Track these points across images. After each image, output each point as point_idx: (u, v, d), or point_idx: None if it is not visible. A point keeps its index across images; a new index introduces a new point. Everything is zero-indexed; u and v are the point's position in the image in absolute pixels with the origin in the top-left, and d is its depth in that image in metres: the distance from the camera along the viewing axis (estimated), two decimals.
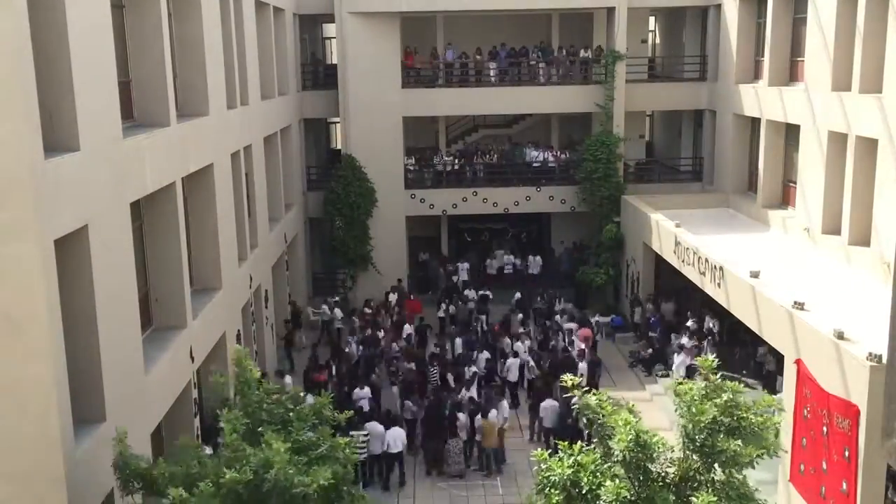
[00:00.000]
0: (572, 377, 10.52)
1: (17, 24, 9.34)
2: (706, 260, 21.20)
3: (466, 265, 31.54)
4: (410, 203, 30.59)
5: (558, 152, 32.28)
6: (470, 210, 31.15)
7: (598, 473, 9.70)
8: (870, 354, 13.27)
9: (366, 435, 17.98)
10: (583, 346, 23.29)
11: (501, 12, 31.28)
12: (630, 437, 9.48)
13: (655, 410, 21.21)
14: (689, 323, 24.25)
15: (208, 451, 12.34)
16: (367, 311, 27.06)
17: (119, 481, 10.30)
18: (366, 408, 19.31)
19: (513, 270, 32.33)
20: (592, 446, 10.33)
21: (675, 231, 23.83)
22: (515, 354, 22.94)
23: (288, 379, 20.35)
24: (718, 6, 28.90)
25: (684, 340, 23.02)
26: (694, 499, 9.15)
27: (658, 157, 36.24)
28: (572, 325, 25.14)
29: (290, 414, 10.81)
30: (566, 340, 24.37)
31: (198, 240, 17.50)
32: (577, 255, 31.74)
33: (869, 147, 19.87)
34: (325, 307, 27.42)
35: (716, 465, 9.78)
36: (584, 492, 9.64)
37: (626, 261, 29.07)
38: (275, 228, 24.95)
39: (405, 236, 31.00)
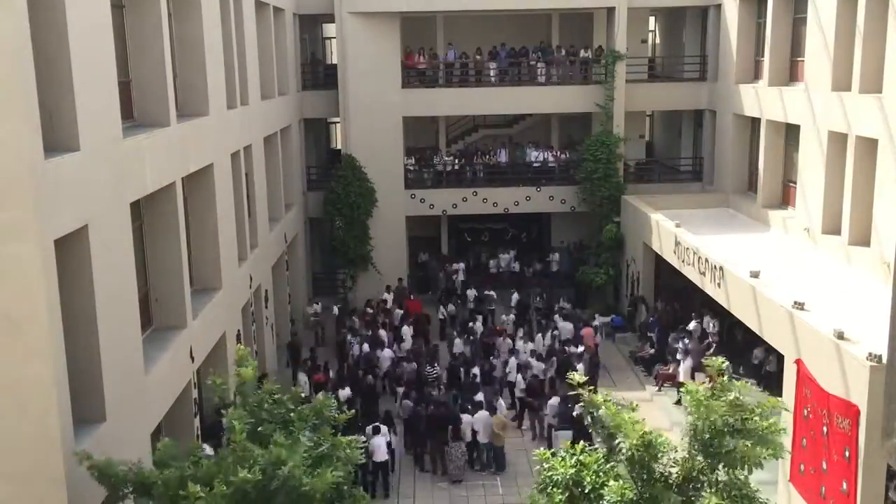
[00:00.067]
0: (578, 375, 10.53)
1: (17, 24, 9.32)
2: (706, 260, 21.20)
3: (462, 265, 31.53)
4: (410, 203, 30.58)
5: (558, 152, 32.27)
6: (470, 210, 31.15)
7: (601, 473, 9.70)
8: (870, 354, 13.27)
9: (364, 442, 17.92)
10: (582, 348, 23.27)
11: (501, 12, 31.28)
12: (639, 434, 9.47)
13: (655, 410, 21.24)
14: (692, 325, 24.21)
15: (208, 450, 12.33)
16: (368, 310, 27.09)
17: (108, 491, 10.24)
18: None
19: (509, 270, 32.29)
20: (595, 445, 10.33)
21: (675, 231, 23.83)
22: (515, 354, 22.94)
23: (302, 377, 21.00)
24: (718, 6, 28.90)
25: (686, 343, 22.93)
26: (698, 499, 9.15)
27: (658, 157, 36.24)
28: (570, 325, 25.15)
29: (291, 414, 10.81)
30: (564, 339, 24.40)
31: (198, 240, 17.49)
32: (577, 255, 31.74)
33: (869, 147, 19.87)
34: (316, 306, 27.54)
35: (720, 466, 9.77)
36: (586, 491, 9.63)
37: (626, 261, 29.07)
38: (275, 228, 24.95)
39: (405, 236, 31.00)
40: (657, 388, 22.99)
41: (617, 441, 9.80)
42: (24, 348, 9.63)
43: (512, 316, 26.67)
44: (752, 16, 27.17)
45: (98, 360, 11.38)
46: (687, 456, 9.89)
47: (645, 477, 9.66)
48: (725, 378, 10.25)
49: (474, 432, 19.15)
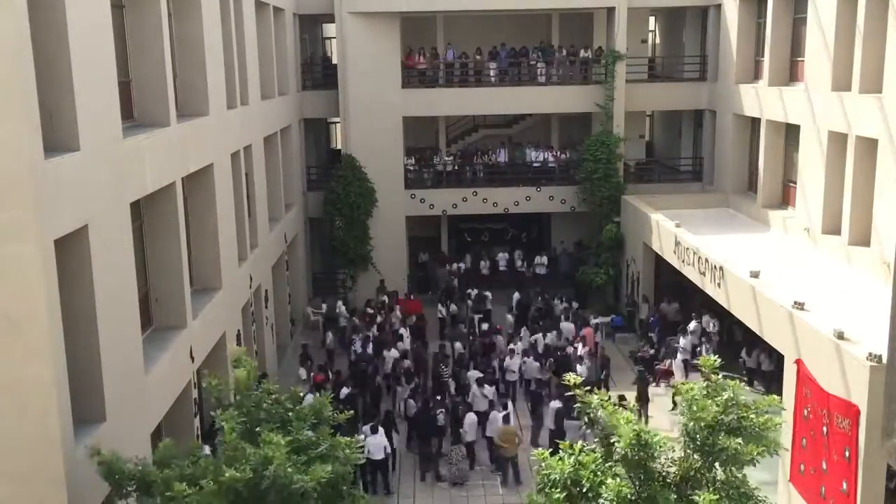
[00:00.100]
0: (575, 376, 10.54)
1: (17, 24, 9.33)
2: (706, 260, 21.20)
3: (462, 265, 31.48)
4: (410, 203, 30.59)
5: (558, 152, 32.27)
6: (470, 210, 31.15)
7: (598, 472, 9.71)
8: (870, 354, 13.27)
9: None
10: (583, 349, 23.26)
11: (501, 12, 31.28)
12: (631, 435, 9.48)
13: (655, 410, 21.22)
14: (692, 325, 24.20)
15: (207, 450, 12.35)
16: (369, 311, 27.10)
17: (112, 487, 10.27)
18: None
19: (507, 269, 32.27)
20: (593, 446, 10.35)
21: (675, 231, 23.83)
22: (513, 354, 22.94)
23: (302, 372, 21.25)
24: (718, 6, 28.90)
25: (682, 342, 22.96)
26: (695, 498, 9.16)
27: (658, 157, 36.24)
28: (570, 325, 25.15)
29: (290, 414, 10.81)
30: (563, 340, 24.41)
31: (198, 240, 17.49)
32: (577, 256, 31.73)
33: (869, 147, 19.87)
34: (324, 305, 27.55)
35: (716, 465, 9.79)
36: (584, 490, 9.65)
37: (626, 261, 29.06)
38: (275, 228, 24.95)
39: (405, 236, 31.00)
40: (655, 384, 22.99)
41: (612, 441, 9.82)
42: (24, 348, 9.63)
43: (509, 317, 26.58)
44: (752, 16, 27.17)
45: (98, 360, 11.39)
46: (683, 455, 9.91)
47: (642, 476, 9.68)
48: (720, 377, 10.28)
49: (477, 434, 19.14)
